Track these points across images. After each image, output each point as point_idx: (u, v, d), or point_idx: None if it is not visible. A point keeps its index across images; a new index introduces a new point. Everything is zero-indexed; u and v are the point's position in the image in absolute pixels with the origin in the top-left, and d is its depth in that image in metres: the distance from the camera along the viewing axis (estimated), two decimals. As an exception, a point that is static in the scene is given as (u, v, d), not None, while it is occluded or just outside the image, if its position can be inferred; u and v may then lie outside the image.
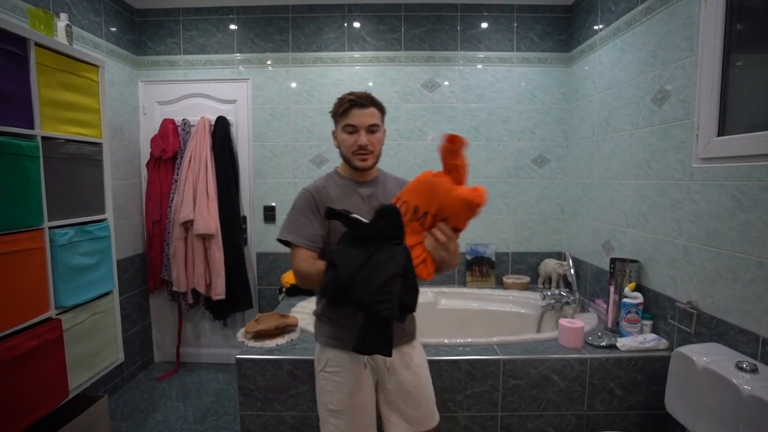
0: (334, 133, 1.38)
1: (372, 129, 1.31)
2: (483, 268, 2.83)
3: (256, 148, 2.86)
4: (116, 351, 1.97)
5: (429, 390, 1.41)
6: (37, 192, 1.52)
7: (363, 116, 1.29)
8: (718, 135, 1.54)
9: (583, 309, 2.29)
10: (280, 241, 1.35)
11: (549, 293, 2.41)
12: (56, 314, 1.62)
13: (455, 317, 2.58)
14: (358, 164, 1.32)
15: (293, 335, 1.91)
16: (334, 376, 1.30)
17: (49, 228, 1.58)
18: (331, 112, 1.37)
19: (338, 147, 1.37)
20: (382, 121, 1.36)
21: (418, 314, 1.33)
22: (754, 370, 1.24)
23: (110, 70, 2.51)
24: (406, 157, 2.82)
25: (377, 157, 1.35)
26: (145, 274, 2.85)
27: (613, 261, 2.03)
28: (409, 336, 1.40)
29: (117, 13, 2.61)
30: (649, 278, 1.93)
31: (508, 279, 2.76)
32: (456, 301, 2.66)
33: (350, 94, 1.32)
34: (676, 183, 1.75)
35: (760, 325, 1.36)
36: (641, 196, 1.99)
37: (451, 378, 1.75)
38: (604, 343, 1.82)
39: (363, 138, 1.29)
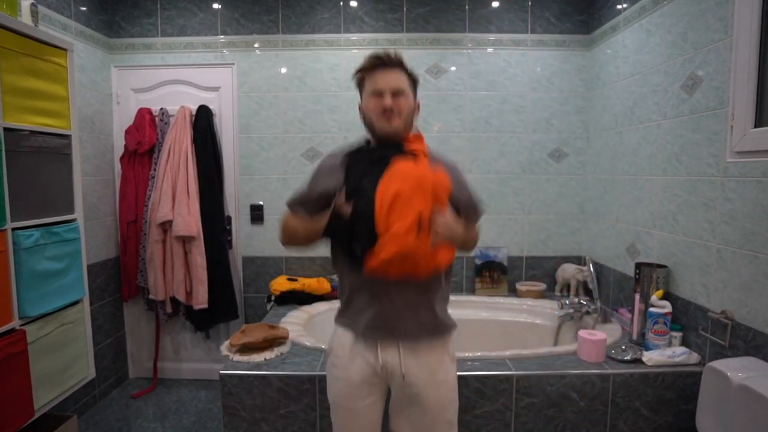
0: (360, 109, 1.36)
1: (397, 92, 1.28)
2: (494, 274, 2.83)
3: (242, 140, 2.86)
4: (87, 366, 1.97)
5: (447, 411, 1.38)
6: (-2, 189, 1.52)
7: (387, 77, 1.28)
8: (755, 126, 1.54)
9: (606, 319, 2.30)
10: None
11: (567, 302, 2.41)
12: (20, 325, 1.62)
13: (463, 328, 2.55)
14: (383, 125, 1.28)
15: (283, 348, 1.92)
16: (333, 368, 1.36)
17: (13, 229, 1.58)
18: (354, 77, 1.36)
19: (365, 122, 1.34)
20: (414, 90, 1.35)
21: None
22: (795, 388, 1.25)
23: (80, 54, 2.51)
24: (408, 151, 2.82)
25: (406, 124, 1.31)
26: (118, 280, 2.86)
27: (638, 266, 2.03)
28: (430, 331, 1.32)
29: (88, -10, 2.61)
30: (679, 285, 1.93)
31: (521, 286, 2.76)
32: (464, 310, 2.66)
33: (374, 53, 1.31)
34: (708, 179, 1.75)
35: (801, 338, 1.36)
36: (670, 194, 1.99)
37: (459, 396, 1.74)
38: (628, 357, 1.82)
39: (388, 98, 1.27)
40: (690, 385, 1.72)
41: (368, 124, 1.34)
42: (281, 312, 2.45)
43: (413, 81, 1.35)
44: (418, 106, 1.37)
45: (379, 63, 1.29)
